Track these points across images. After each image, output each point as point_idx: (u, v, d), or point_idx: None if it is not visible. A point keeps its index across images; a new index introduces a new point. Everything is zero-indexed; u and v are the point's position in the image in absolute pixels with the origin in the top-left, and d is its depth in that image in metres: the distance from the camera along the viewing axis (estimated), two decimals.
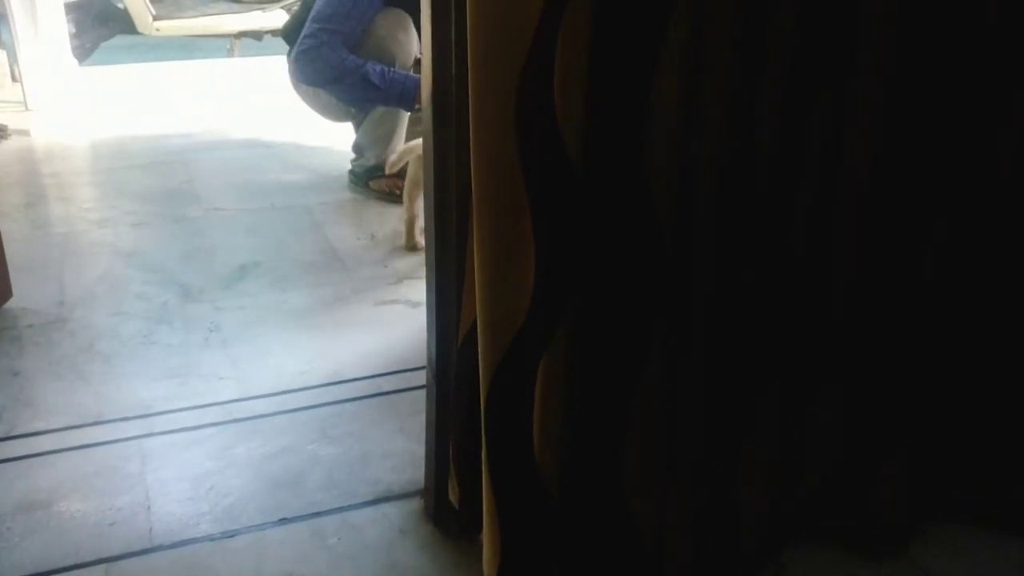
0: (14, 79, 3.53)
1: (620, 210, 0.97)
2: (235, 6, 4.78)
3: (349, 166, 2.70)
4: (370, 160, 2.63)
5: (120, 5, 4.98)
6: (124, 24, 4.96)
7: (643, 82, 0.93)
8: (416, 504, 1.36)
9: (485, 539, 1.11)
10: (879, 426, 1.24)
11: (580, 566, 1.12)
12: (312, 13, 2.49)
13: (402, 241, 2.28)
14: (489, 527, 1.10)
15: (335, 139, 3.02)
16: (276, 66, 4.02)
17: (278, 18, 4.77)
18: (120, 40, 5.06)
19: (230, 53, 4.92)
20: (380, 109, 2.55)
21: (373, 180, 2.61)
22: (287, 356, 1.77)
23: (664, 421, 1.08)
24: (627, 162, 0.95)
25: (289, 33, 2.62)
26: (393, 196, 2.56)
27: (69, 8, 3.90)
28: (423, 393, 1.29)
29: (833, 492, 1.27)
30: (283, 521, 1.33)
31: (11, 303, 1.90)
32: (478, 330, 1.03)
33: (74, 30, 4.20)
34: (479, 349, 1.03)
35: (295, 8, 2.76)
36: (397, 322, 1.91)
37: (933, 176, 1.12)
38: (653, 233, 0.98)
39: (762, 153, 1.02)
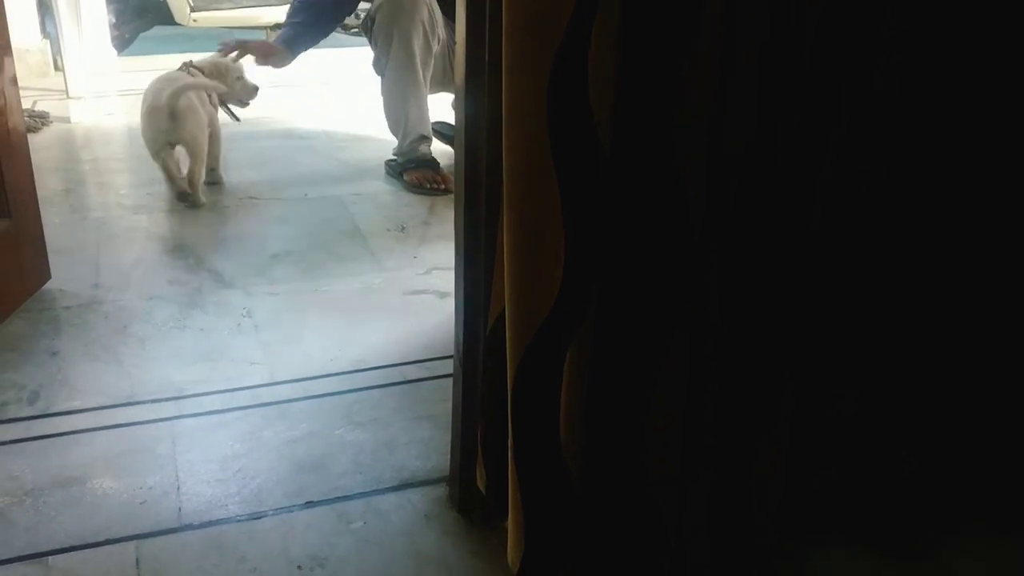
0: (56, 68, 3.59)
1: (650, 199, 0.97)
2: None
3: (389, 157, 2.72)
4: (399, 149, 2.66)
5: None
6: (162, 15, 5.03)
7: (674, 72, 0.93)
8: (441, 491, 1.38)
9: (510, 526, 1.12)
10: (901, 424, 1.23)
11: (602, 554, 1.13)
12: None
13: (432, 231, 2.30)
14: (514, 514, 1.10)
15: (368, 131, 3.04)
16: (309, 58, 4.05)
17: None
18: (158, 31, 5.13)
19: None
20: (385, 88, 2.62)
21: (407, 172, 2.62)
22: (316, 343, 1.79)
23: (688, 410, 1.08)
24: (658, 150, 0.96)
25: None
26: (423, 188, 2.57)
27: None
28: (449, 382, 1.30)
29: (853, 488, 1.27)
30: (309, 504, 1.35)
31: (49, 285, 1.94)
32: (506, 318, 1.03)
33: (114, 21, 4.26)
34: (507, 337, 1.04)
35: None
36: (425, 311, 1.93)
37: (955, 171, 1.11)
38: (682, 222, 0.98)
39: (790, 143, 1.01)
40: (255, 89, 2.60)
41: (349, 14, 2.75)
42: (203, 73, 2.49)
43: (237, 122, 2.58)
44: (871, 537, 1.28)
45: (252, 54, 2.60)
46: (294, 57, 2.61)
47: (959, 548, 1.28)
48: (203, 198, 2.42)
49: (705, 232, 1.01)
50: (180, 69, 2.48)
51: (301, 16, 2.62)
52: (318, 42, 2.67)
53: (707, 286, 1.03)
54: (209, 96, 2.47)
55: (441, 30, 2.59)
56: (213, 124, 2.50)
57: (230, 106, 2.59)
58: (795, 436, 1.17)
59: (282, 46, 2.59)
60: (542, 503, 1.09)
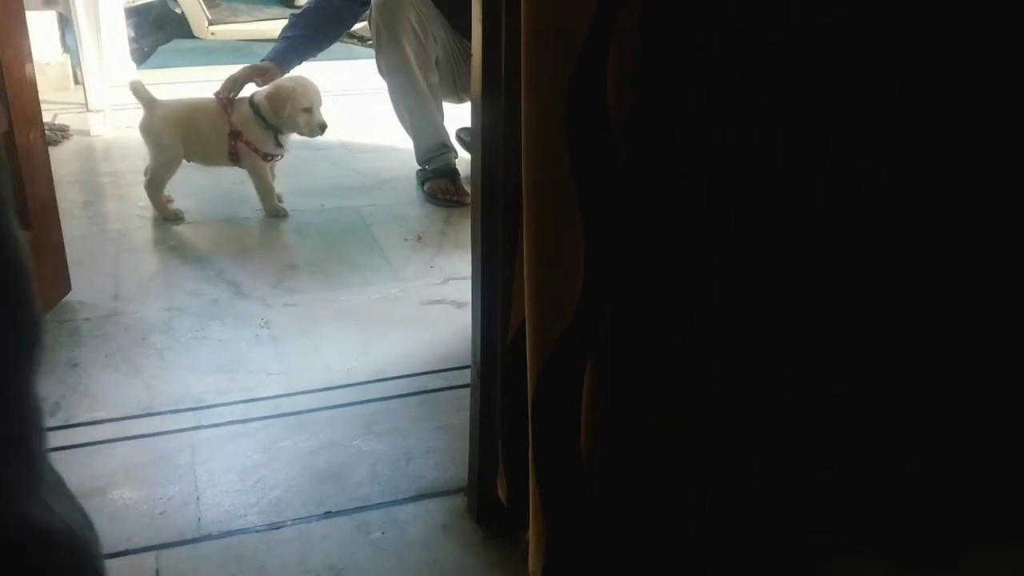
0: (76, 82, 3.62)
1: (669, 210, 0.97)
2: (288, 11, 4.87)
3: (404, 169, 2.74)
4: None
5: (177, 10, 5.09)
6: (180, 29, 5.07)
7: (694, 82, 0.93)
8: (459, 501, 1.37)
9: (531, 536, 1.12)
10: (900, 424, 1.22)
11: (623, 564, 1.12)
12: None
13: (449, 241, 2.31)
14: (535, 525, 1.10)
15: (385, 142, 3.05)
16: (326, 70, 4.07)
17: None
18: (176, 44, 5.17)
19: None
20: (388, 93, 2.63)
21: (427, 182, 2.63)
22: (334, 353, 1.79)
23: (710, 421, 1.08)
24: (677, 162, 0.96)
25: None
26: (435, 199, 2.58)
27: (128, 13, 3.99)
28: (467, 392, 1.30)
29: (854, 489, 1.25)
30: (328, 515, 1.35)
31: (69, 297, 1.96)
32: (526, 329, 1.03)
33: (133, 34, 4.30)
34: (527, 348, 1.04)
35: None
36: (442, 321, 1.93)
37: (955, 171, 1.10)
38: (701, 232, 0.98)
39: (791, 144, 1.01)
40: (320, 127, 2.45)
41: (343, 32, 2.73)
42: (259, 103, 2.43)
43: (267, 158, 2.50)
44: (888, 545, 1.27)
45: (247, 82, 2.49)
46: (284, 72, 2.55)
47: (983, 560, 1.27)
48: (173, 213, 2.45)
49: (711, 235, 1.01)
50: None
51: (294, 31, 2.60)
52: (309, 57, 2.63)
53: (709, 286, 1.03)
54: (236, 132, 2.43)
55: (438, 33, 2.59)
56: (243, 157, 2.46)
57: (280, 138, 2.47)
58: (797, 437, 1.17)
59: (271, 62, 2.53)
60: (564, 513, 1.09)
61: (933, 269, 1.14)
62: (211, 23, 4.84)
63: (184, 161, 2.45)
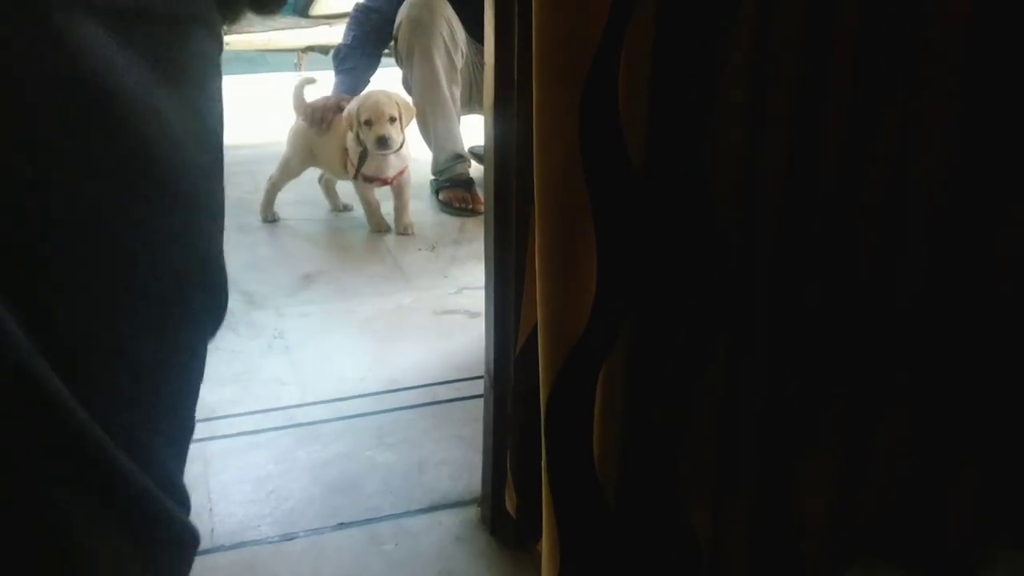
0: None
1: (683, 218, 0.97)
2: (303, 21, 4.88)
3: (417, 178, 2.76)
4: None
5: None
6: None
7: (706, 90, 0.92)
8: (472, 512, 1.37)
9: (544, 548, 1.11)
10: (946, 446, 1.20)
11: (636, 574, 1.11)
12: None
13: (462, 251, 2.31)
14: (548, 536, 1.09)
15: None
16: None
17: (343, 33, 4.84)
18: None
19: (298, 67, 5.02)
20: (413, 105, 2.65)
21: (441, 191, 2.64)
22: (347, 363, 1.79)
23: (725, 430, 1.07)
24: (690, 169, 0.95)
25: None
26: (451, 207, 2.58)
27: None
28: (480, 402, 1.29)
29: (897, 513, 1.24)
30: (341, 526, 1.35)
31: None
32: (539, 339, 1.03)
33: None
34: (539, 358, 1.03)
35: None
36: (455, 331, 1.92)
37: (1006, 188, 1.09)
38: (716, 241, 0.97)
39: (828, 163, 1.00)
40: (375, 141, 2.37)
41: (387, 44, 2.77)
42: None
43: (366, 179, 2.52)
44: (909, 557, 1.25)
45: (334, 111, 2.51)
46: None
47: (999, 570, 1.25)
48: (272, 214, 2.54)
49: (743, 248, 1.00)
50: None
51: (351, 61, 2.63)
52: (368, 82, 2.68)
53: (747, 305, 1.02)
54: (345, 149, 2.46)
55: (464, 46, 2.60)
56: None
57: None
58: (841, 459, 1.15)
59: (347, 95, 2.56)
60: (576, 524, 1.08)
61: (937, 268, 1.12)
62: (225, 33, 4.86)
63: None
